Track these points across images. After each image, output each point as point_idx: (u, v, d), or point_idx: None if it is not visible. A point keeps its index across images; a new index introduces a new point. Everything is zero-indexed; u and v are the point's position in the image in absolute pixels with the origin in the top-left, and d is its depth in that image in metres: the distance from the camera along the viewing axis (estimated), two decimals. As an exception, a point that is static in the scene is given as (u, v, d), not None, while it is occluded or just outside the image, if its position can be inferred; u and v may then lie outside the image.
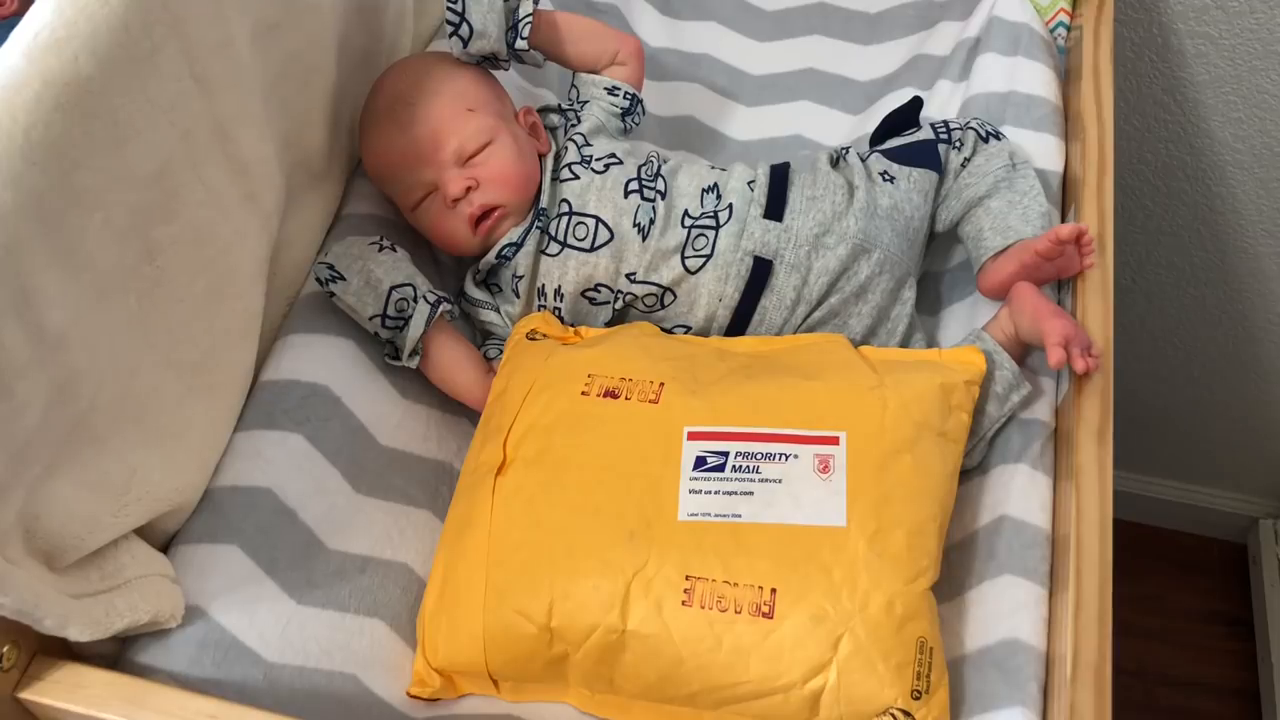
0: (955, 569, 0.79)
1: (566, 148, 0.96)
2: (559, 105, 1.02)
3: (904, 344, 0.91)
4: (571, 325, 0.92)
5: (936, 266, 1.00)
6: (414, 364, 0.88)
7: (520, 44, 0.94)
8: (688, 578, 0.72)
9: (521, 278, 0.92)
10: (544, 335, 0.89)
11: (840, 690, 0.70)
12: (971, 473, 0.84)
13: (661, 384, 0.81)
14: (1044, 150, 0.98)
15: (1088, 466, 0.77)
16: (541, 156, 0.95)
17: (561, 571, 0.74)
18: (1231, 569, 1.84)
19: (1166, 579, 1.83)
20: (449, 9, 0.91)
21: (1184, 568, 1.86)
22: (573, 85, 1.01)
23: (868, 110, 1.13)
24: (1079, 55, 1.05)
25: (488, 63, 0.96)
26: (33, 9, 0.58)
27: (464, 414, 0.93)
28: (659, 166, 0.95)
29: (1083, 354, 0.80)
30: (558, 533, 0.76)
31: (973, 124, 0.96)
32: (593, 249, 0.91)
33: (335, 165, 0.95)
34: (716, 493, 0.75)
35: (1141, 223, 1.45)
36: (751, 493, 0.75)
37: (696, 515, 0.75)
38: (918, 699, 0.70)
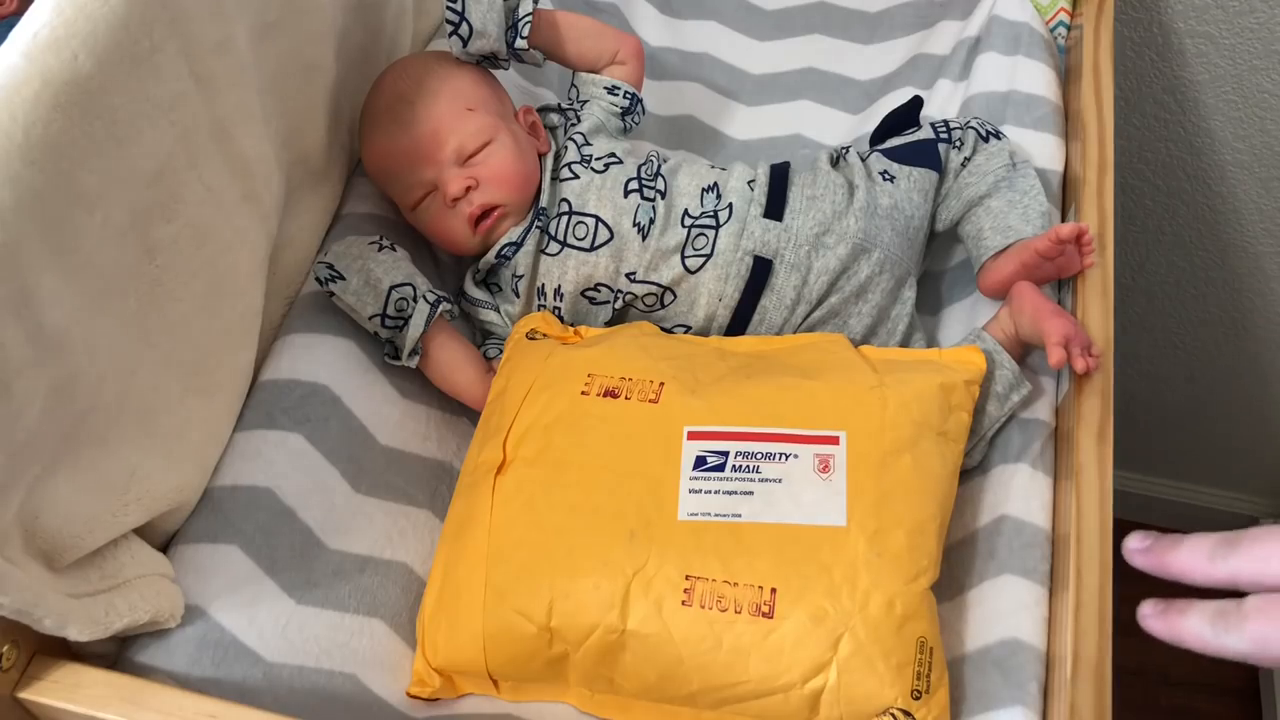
0: (955, 569, 0.79)
1: (566, 147, 0.96)
2: (559, 105, 1.01)
3: (904, 343, 0.91)
4: (571, 325, 0.92)
5: (936, 266, 1.00)
6: (414, 363, 0.88)
7: (520, 43, 0.94)
8: (688, 577, 0.72)
9: (521, 277, 0.92)
10: (544, 335, 0.89)
11: (840, 690, 0.70)
12: (971, 472, 0.84)
13: (661, 383, 0.81)
14: (1044, 150, 0.98)
15: (1088, 466, 0.77)
16: (541, 156, 0.95)
17: (561, 571, 0.74)
18: (1231, 569, 1.84)
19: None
20: (449, 8, 0.91)
21: (1184, 567, 1.86)
22: (572, 84, 1.01)
23: (868, 110, 1.12)
24: (1079, 55, 1.05)
25: (487, 62, 0.96)
26: (32, 8, 0.57)
27: (464, 414, 0.93)
28: (659, 166, 0.95)
29: (1083, 353, 0.80)
30: (557, 532, 0.76)
31: (973, 123, 0.96)
32: (592, 248, 0.91)
33: (335, 164, 0.95)
34: (716, 492, 0.75)
35: (1141, 222, 1.45)
36: (751, 492, 0.75)
37: (696, 515, 0.75)
38: (918, 699, 0.70)
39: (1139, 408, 1.69)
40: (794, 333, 0.91)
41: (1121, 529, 0.76)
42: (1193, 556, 0.53)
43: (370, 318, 0.86)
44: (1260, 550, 0.49)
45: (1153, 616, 0.55)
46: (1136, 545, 0.58)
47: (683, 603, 0.72)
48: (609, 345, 0.85)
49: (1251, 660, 0.50)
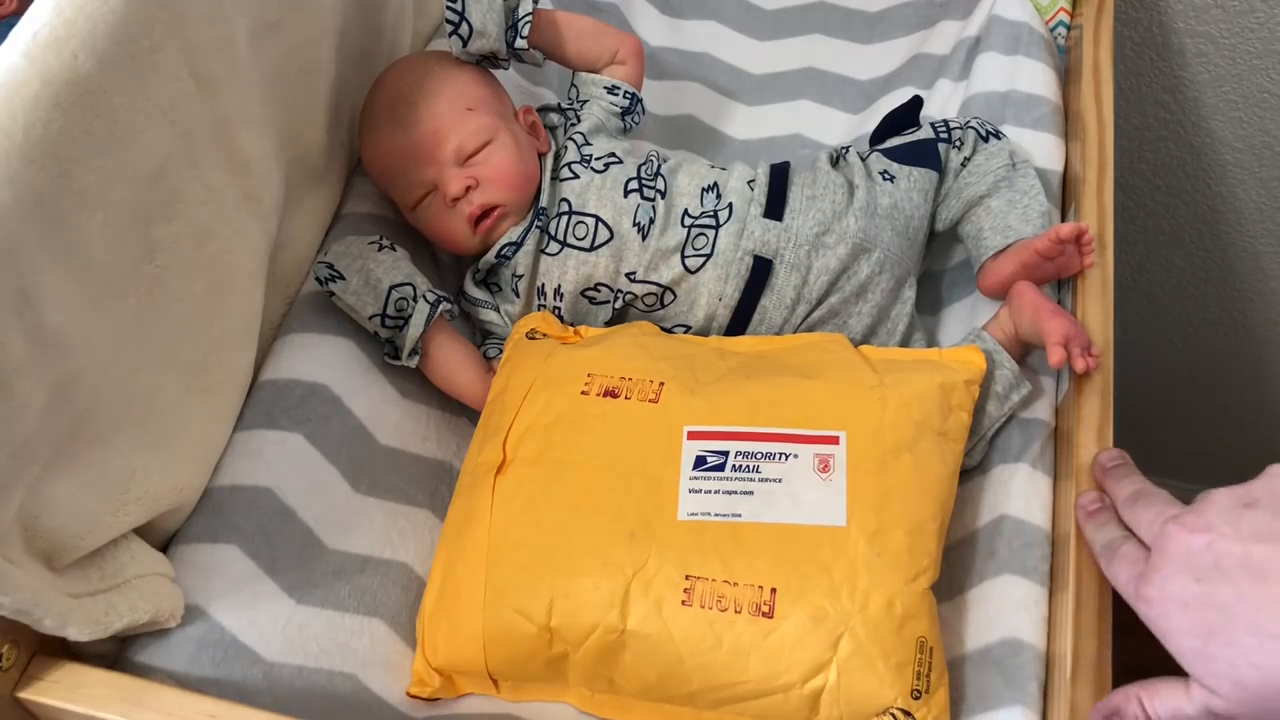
0: (955, 569, 0.79)
1: (566, 147, 0.96)
2: (559, 104, 1.02)
3: (904, 343, 0.91)
4: (571, 324, 0.92)
5: (936, 266, 1.00)
6: (414, 363, 0.88)
7: (520, 43, 0.94)
8: (688, 577, 0.72)
9: (521, 277, 0.92)
10: (544, 334, 0.89)
11: (840, 690, 0.70)
12: (971, 472, 0.84)
13: (661, 383, 0.81)
14: (1044, 149, 0.98)
15: (1087, 466, 0.77)
16: (541, 156, 0.95)
17: (561, 571, 0.74)
18: (1231, 568, 1.84)
19: (1166, 578, 1.82)
20: (449, 8, 0.91)
21: (1184, 567, 1.85)
22: (572, 84, 1.01)
23: (868, 109, 1.12)
24: (1079, 54, 1.05)
25: (487, 62, 0.96)
26: (32, 8, 0.57)
27: (464, 414, 0.93)
28: (659, 166, 0.95)
29: (1083, 353, 0.80)
30: (557, 532, 0.76)
31: (973, 123, 0.96)
32: (592, 248, 0.91)
33: (335, 164, 0.95)
34: (716, 492, 0.75)
35: (1141, 222, 1.45)
36: (751, 492, 0.75)
37: (696, 515, 0.75)
38: (918, 699, 0.70)
39: (1139, 408, 1.69)
40: (794, 332, 0.91)
41: (1121, 529, 0.76)
42: (1117, 493, 0.73)
43: (370, 318, 0.86)
44: (1138, 513, 0.70)
45: (1084, 516, 0.74)
46: (1105, 461, 0.76)
47: (683, 602, 0.72)
48: (609, 345, 0.85)
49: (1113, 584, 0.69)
